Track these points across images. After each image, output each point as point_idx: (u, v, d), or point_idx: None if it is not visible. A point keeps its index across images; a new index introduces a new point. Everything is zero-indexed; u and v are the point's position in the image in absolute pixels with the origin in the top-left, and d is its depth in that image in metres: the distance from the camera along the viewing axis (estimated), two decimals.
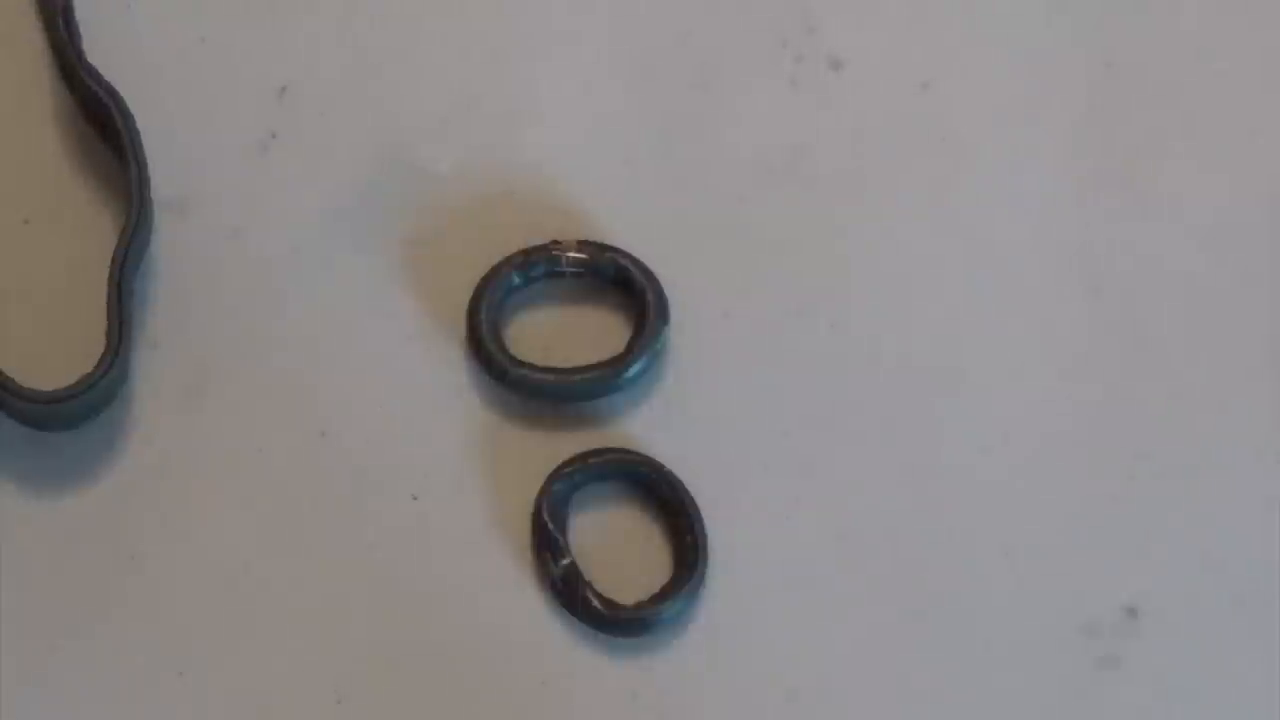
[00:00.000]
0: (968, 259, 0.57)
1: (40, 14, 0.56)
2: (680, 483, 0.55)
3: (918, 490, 0.56)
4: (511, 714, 0.55)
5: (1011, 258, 0.57)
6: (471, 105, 0.57)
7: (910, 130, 0.58)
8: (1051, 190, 0.58)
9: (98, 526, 0.55)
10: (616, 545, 0.56)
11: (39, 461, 0.54)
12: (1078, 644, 0.55)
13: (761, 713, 0.55)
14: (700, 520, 0.55)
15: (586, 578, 0.55)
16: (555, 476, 0.55)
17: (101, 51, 0.56)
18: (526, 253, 0.56)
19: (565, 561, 0.55)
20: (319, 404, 0.55)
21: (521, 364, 0.55)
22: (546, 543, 0.55)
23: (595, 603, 0.54)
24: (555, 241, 0.56)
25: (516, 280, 0.56)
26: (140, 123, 0.54)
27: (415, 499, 0.55)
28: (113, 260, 0.53)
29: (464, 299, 0.56)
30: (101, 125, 0.55)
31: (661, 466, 0.55)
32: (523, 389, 0.55)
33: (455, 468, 0.55)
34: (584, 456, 0.55)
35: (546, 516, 0.55)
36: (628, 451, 0.55)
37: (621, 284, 0.56)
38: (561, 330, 0.56)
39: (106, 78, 0.54)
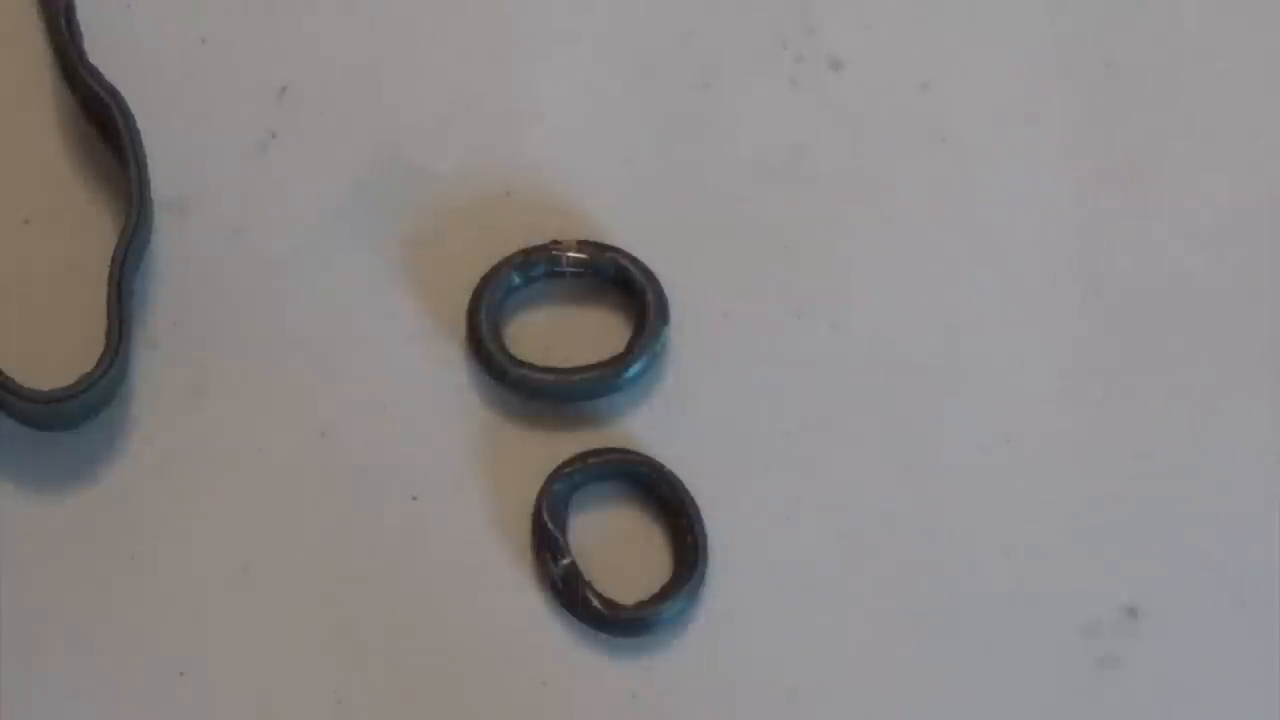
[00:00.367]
0: (968, 259, 0.57)
1: (42, 14, 0.56)
2: (680, 483, 0.55)
3: (918, 490, 0.56)
4: (511, 714, 0.55)
5: (1011, 258, 0.57)
6: (471, 105, 0.57)
7: (910, 130, 0.58)
8: (1051, 190, 0.58)
9: (98, 526, 0.55)
10: (616, 545, 0.56)
11: (39, 461, 0.54)
12: (1078, 644, 0.55)
13: (761, 713, 0.55)
14: (700, 520, 0.55)
15: (586, 578, 0.55)
16: (555, 476, 0.55)
17: (102, 51, 0.56)
18: (526, 253, 0.56)
19: (565, 561, 0.55)
20: (319, 404, 0.55)
21: (521, 364, 0.55)
22: (546, 543, 0.55)
23: (595, 603, 0.54)
24: (555, 241, 0.56)
25: (516, 280, 0.56)
26: (140, 123, 0.54)
27: (415, 499, 0.55)
28: (113, 260, 0.53)
29: (464, 299, 0.56)
30: (102, 125, 0.55)
31: (661, 466, 0.55)
32: (523, 389, 0.55)
33: (455, 468, 0.55)
34: (584, 456, 0.55)
35: (546, 516, 0.55)
36: (628, 451, 0.55)
37: (621, 284, 0.56)
38: (561, 330, 0.56)
39: (107, 78, 0.54)
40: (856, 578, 0.55)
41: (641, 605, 0.55)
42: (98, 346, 0.53)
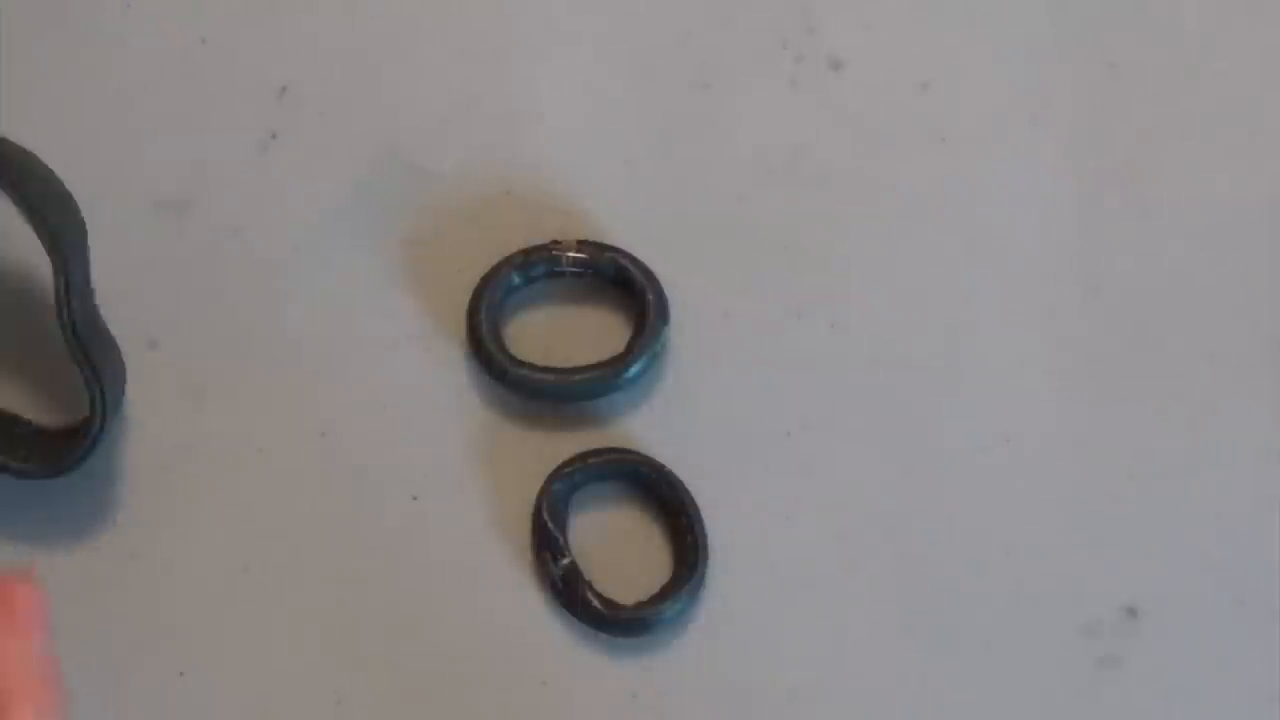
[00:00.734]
0: (968, 259, 0.57)
1: None
2: (680, 483, 0.55)
3: (918, 490, 0.56)
4: (511, 714, 0.55)
5: (1011, 258, 0.57)
6: (471, 105, 0.57)
7: (910, 130, 0.58)
8: (1052, 190, 0.58)
9: (98, 526, 0.55)
10: (616, 545, 0.56)
11: None
12: (1078, 644, 0.55)
13: (761, 713, 0.55)
14: (700, 520, 0.55)
15: (586, 578, 0.55)
16: (555, 476, 0.55)
17: (102, 51, 0.56)
18: (526, 253, 0.56)
19: (565, 561, 0.55)
20: (319, 404, 0.55)
21: (521, 364, 0.55)
22: (546, 543, 0.55)
23: (595, 603, 0.54)
24: (555, 241, 0.56)
25: (516, 280, 0.56)
26: (140, 123, 0.54)
27: (415, 499, 0.55)
28: (59, 315, 0.52)
29: (464, 299, 0.56)
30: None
31: (661, 466, 0.55)
32: (523, 389, 0.55)
33: (455, 468, 0.55)
34: (584, 456, 0.55)
35: (546, 516, 0.55)
36: (628, 451, 0.55)
37: (621, 284, 0.56)
38: (561, 330, 0.56)
39: (106, 78, 0.54)
40: (856, 578, 0.55)
41: (641, 605, 0.55)
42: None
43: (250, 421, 0.55)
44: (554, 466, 0.55)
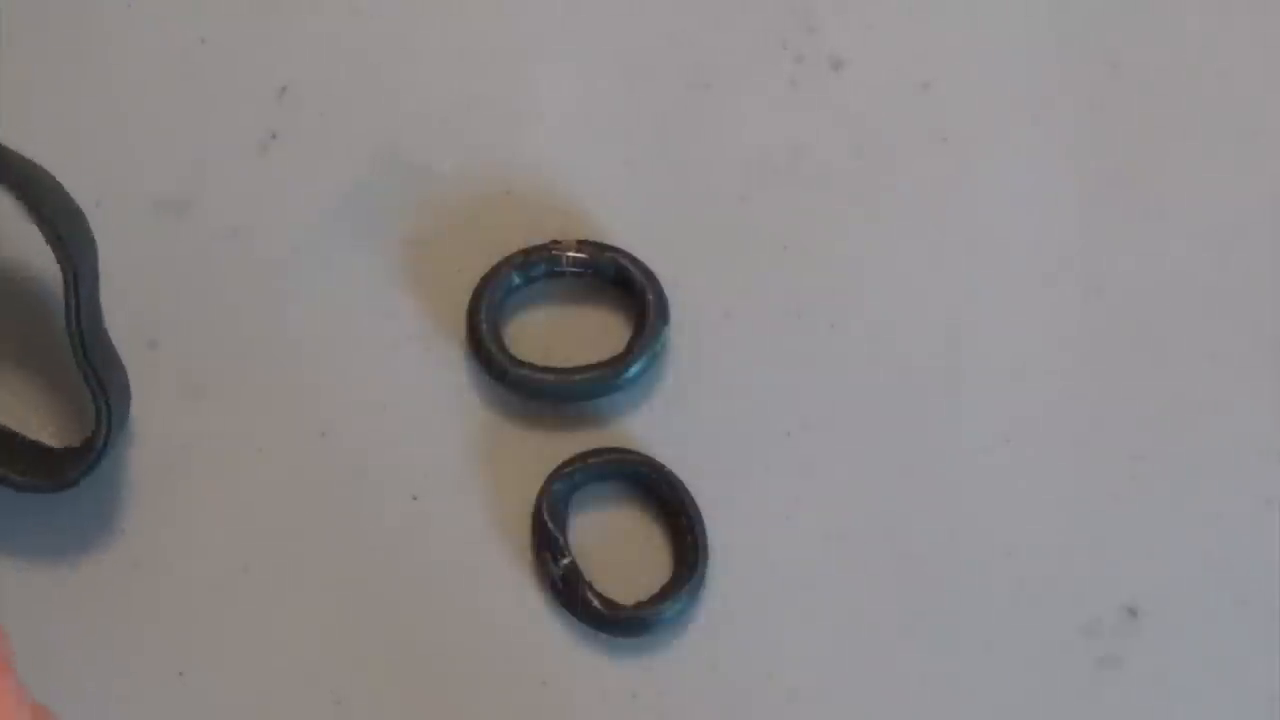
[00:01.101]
0: (968, 259, 0.57)
1: None
2: (680, 483, 0.55)
3: (918, 490, 0.56)
4: (511, 714, 0.55)
5: (1012, 258, 0.57)
6: (471, 105, 0.57)
7: (910, 130, 0.57)
8: (1053, 190, 0.57)
9: (98, 527, 0.55)
10: (616, 545, 0.56)
11: None
12: (1078, 644, 0.55)
13: (761, 713, 0.55)
14: (700, 520, 0.55)
15: (586, 578, 0.55)
16: (555, 476, 0.55)
17: (102, 51, 0.56)
18: (526, 253, 0.56)
19: (565, 561, 0.55)
20: (319, 404, 0.55)
21: (521, 364, 0.55)
22: (546, 543, 0.55)
23: (595, 603, 0.54)
24: (555, 241, 0.56)
25: (516, 280, 0.56)
26: (140, 123, 0.54)
27: (415, 499, 0.55)
28: (69, 330, 0.52)
29: (464, 299, 0.56)
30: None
31: (661, 466, 0.55)
32: (523, 389, 0.55)
33: (455, 468, 0.55)
34: (584, 456, 0.55)
35: (546, 516, 0.55)
36: (628, 451, 0.55)
37: (621, 284, 0.56)
38: (561, 330, 0.56)
39: (106, 78, 0.54)
40: (856, 578, 0.55)
41: (641, 605, 0.55)
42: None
43: (250, 421, 0.55)
44: (554, 466, 0.55)
